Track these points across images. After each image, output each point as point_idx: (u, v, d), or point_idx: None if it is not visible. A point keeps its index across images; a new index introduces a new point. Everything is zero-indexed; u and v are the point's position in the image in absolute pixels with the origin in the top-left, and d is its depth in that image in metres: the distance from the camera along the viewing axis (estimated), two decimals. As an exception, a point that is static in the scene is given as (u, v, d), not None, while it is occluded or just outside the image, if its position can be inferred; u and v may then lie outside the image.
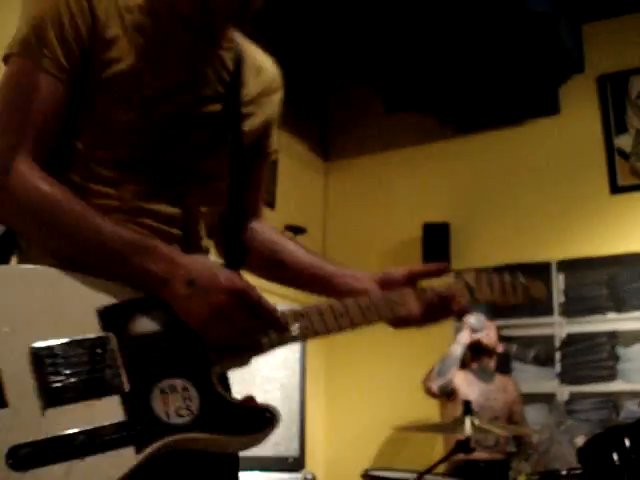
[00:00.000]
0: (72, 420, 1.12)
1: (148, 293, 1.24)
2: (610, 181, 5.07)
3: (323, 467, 5.33)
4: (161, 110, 1.34)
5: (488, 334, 4.48)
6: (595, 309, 4.89)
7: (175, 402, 1.18)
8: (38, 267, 1.21)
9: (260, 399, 3.22)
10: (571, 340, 4.92)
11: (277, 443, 3.45)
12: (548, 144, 5.28)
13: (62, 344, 1.15)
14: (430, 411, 4.58)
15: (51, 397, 1.12)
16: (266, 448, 3.42)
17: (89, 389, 1.15)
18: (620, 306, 4.84)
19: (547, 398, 4.85)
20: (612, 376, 4.75)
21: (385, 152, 5.89)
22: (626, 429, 3.25)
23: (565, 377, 4.86)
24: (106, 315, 1.20)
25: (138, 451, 1.13)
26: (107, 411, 1.15)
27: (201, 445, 1.22)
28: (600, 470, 3.29)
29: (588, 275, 5.00)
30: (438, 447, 4.51)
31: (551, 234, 5.09)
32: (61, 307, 1.19)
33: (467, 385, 4.42)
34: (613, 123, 5.14)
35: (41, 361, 1.13)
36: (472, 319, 4.46)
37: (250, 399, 1.29)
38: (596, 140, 5.16)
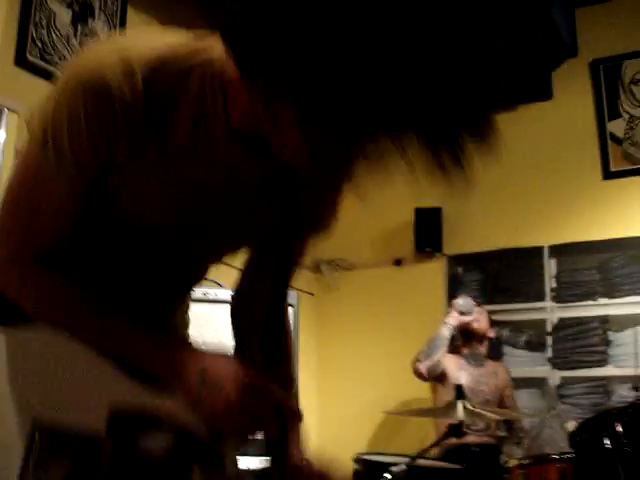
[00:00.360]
0: None
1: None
2: (603, 166, 5.06)
3: (315, 451, 5.34)
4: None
5: (478, 320, 4.49)
6: (587, 294, 4.90)
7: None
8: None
9: None
10: (563, 325, 4.92)
11: (269, 427, 3.45)
12: (541, 129, 5.27)
13: None
14: (422, 395, 4.59)
15: None
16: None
17: None
18: (612, 291, 4.85)
19: (538, 383, 4.87)
20: (603, 361, 4.76)
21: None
22: (618, 413, 3.26)
23: (556, 362, 4.87)
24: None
25: None
26: None
27: None
28: (592, 454, 3.30)
29: (580, 260, 5.01)
30: (430, 431, 4.51)
31: (543, 219, 5.09)
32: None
33: (458, 370, 4.44)
34: (606, 108, 5.13)
35: None
36: (460, 301, 4.48)
37: None
38: (589, 125, 5.16)
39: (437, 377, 4.43)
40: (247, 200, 1.28)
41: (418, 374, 4.42)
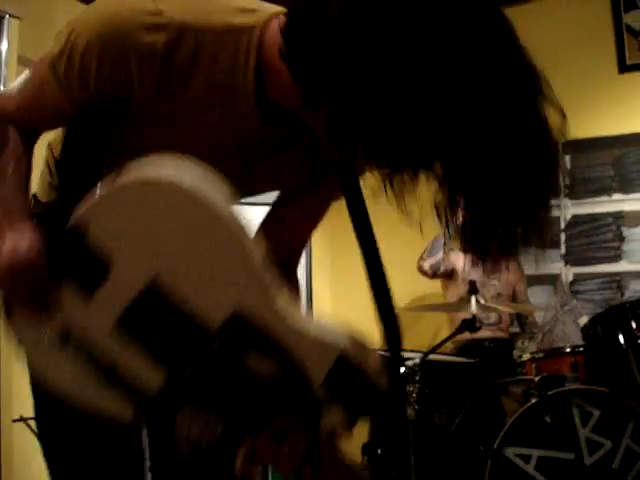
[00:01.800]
0: None
1: None
2: (618, 59, 4.95)
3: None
4: None
5: None
6: (601, 190, 4.86)
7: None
8: None
9: None
10: (576, 221, 4.91)
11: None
12: (555, 22, 5.13)
13: None
14: (435, 291, 4.63)
15: None
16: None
17: None
18: (626, 187, 4.81)
19: (552, 279, 4.88)
20: (617, 257, 4.76)
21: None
22: (630, 307, 3.30)
23: (570, 258, 4.88)
24: None
25: None
26: None
27: None
28: (604, 347, 3.35)
29: (594, 156, 4.95)
30: (442, 327, 4.57)
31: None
32: None
33: (467, 265, 4.47)
34: (622, -1, 5.00)
35: None
36: None
37: None
38: (605, 17, 5.01)
39: (444, 274, 4.47)
40: (253, 157, 1.31)
41: (422, 272, 4.47)
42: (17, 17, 3.26)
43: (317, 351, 1.17)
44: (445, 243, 4.39)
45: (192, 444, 1.15)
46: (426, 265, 4.43)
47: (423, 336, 4.78)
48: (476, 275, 4.28)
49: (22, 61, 3.28)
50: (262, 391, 1.15)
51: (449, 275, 4.50)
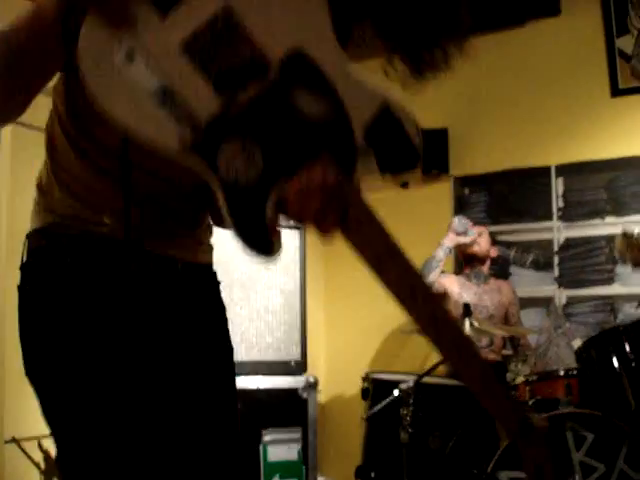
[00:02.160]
0: None
1: None
2: (611, 83, 4.98)
3: (324, 370, 5.42)
4: None
5: (478, 242, 4.48)
6: (594, 213, 4.89)
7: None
8: None
9: (261, 305, 3.28)
10: (570, 244, 4.93)
11: (279, 348, 3.50)
12: (549, 46, 5.18)
13: None
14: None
15: None
16: (269, 353, 3.47)
17: None
18: (619, 210, 4.83)
19: (545, 302, 4.89)
20: (610, 279, 4.78)
21: (381, 58, 5.79)
22: (624, 330, 3.30)
23: (563, 281, 4.89)
24: None
25: None
26: None
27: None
28: (598, 370, 3.34)
29: (587, 179, 4.99)
30: (433, 350, 4.57)
31: (550, 138, 5.05)
32: None
33: (460, 287, 4.47)
34: (615, 24, 5.03)
35: None
36: (455, 221, 4.48)
37: None
38: (597, 42, 5.06)
39: None
40: None
41: None
42: None
43: (364, 96, 1.27)
44: (435, 266, 4.40)
45: (232, 178, 1.19)
46: None
47: (414, 359, 4.79)
48: (468, 297, 4.28)
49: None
50: (307, 130, 1.21)
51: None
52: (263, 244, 1.23)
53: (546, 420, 2.72)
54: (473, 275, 4.51)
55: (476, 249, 4.49)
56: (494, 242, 4.73)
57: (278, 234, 1.24)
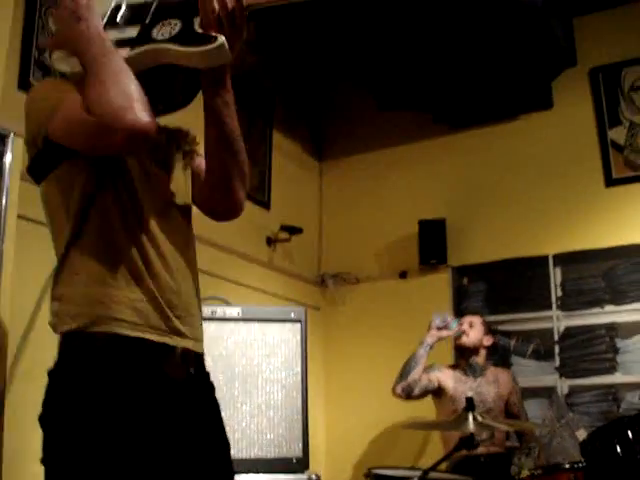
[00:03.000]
0: None
1: None
2: (605, 174, 5.07)
3: (326, 467, 5.33)
4: None
5: (467, 332, 4.43)
6: (593, 302, 4.89)
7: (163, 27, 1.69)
8: None
9: (262, 400, 3.30)
10: (570, 333, 4.92)
11: (281, 445, 3.45)
12: (542, 138, 5.28)
13: None
14: (428, 408, 4.57)
15: None
16: (270, 450, 3.41)
17: None
18: (618, 298, 4.84)
19: (547, 392, 4.85)
20: (612, 368, 4.75)
21: (379, 150, 5.90)
22: (629, 421, 3.26)
23: (565, 370, 4.86)
24: None
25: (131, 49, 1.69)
26: None
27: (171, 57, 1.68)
28: (603, 463, 3.29)
29: (585, 268, 5.01)
30: (437, 443, 4.50)
31: (547, 228, 5.10)
32: None
33: (455, 382, 4.39)
34: (606, 116, 5.15)
35: None
36: (437, 319, 4.43)
37: None
38: (590, 133, 5.17)
39: (421, 395, 4.38)
40: None
41: (397, 396, 4.37)
42: (21, 135, 3.35)
43: None
44: (414, 365, 4.32)
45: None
46: (398, 388, 4.35)
47: (415, 453, 4.72)
48: (462, 392, 4.21)
49: (24, 177, 3.36)
50: None
51: (436, 393, 4.44)
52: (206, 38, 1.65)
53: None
54: (468, 368, 4.45)
55: (464, 340, 4.44)
56: (494, 332, 4.71)
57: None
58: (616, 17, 5.17)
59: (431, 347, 4.40)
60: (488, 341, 4.52)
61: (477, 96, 5.36)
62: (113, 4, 1.78)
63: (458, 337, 4.44)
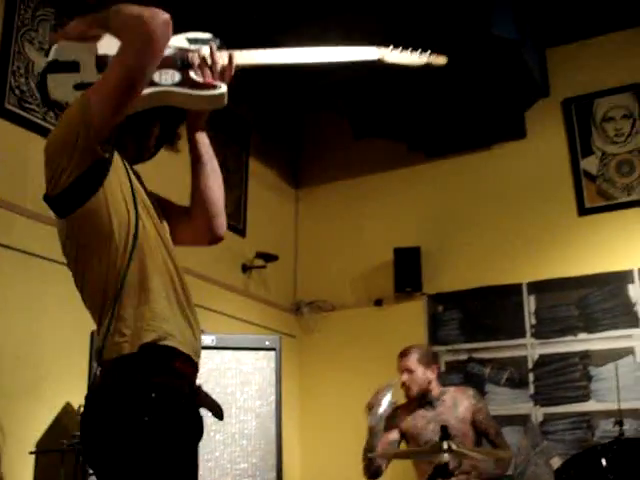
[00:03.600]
0: None
1: None
2: (578, 203, 5.13)
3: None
4: None
5: (408, 385, 4.19)
6: (566, 330, 4.92)
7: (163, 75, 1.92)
8: None
9: (236, 430, 3.35)
10: (544, 361, 4.94)
11: (255, 474, 3.42)
12: (515, 168, 5.34)
13: None
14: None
15: None
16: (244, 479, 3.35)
17: None
18: (591, 326, 4.87)
19: (522, 420, 4.85)
20: (585, 396, 4.76)
21: (355, 178, 5.93)
22: (602, 449, 3.27)
23: (539, 398, 4.88)
24: None
25: None
26: None
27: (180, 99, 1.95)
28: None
29: (559, 296, 5.04)
30: (410, 473, 4.46)
31: (521, 256, 5.14)
32: None
33: (414, 420, 4.17)
34: (579, 146, 5.21)
35: None
36: (372, 420, 4.13)
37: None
38: (563, 163, 5.23)
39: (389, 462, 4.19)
40: None
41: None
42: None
43: None
44: (376, 437, 4.07)
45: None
46: (367, 472, 4.17)
47: (393, 477, 4.68)
48: (421, 425, 4.07)
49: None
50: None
51: (402, 438, 4.25)
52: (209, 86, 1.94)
53: None
54: (425, 403, 4.20)
55: (410, 393, 4.21)
56: (469, 360, 4.63)
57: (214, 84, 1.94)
58: (588, 48, 5.25)
59: (381, 418, 4.12)
60: (434, 372, 4.22)
61: (452, 125, 5.41)
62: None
63: (407, 390, 4.22)
